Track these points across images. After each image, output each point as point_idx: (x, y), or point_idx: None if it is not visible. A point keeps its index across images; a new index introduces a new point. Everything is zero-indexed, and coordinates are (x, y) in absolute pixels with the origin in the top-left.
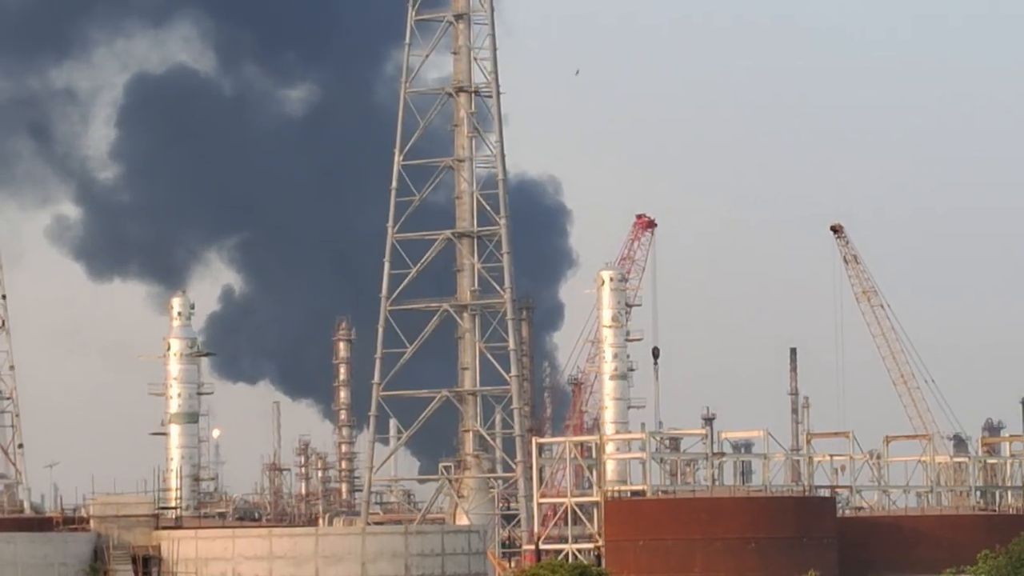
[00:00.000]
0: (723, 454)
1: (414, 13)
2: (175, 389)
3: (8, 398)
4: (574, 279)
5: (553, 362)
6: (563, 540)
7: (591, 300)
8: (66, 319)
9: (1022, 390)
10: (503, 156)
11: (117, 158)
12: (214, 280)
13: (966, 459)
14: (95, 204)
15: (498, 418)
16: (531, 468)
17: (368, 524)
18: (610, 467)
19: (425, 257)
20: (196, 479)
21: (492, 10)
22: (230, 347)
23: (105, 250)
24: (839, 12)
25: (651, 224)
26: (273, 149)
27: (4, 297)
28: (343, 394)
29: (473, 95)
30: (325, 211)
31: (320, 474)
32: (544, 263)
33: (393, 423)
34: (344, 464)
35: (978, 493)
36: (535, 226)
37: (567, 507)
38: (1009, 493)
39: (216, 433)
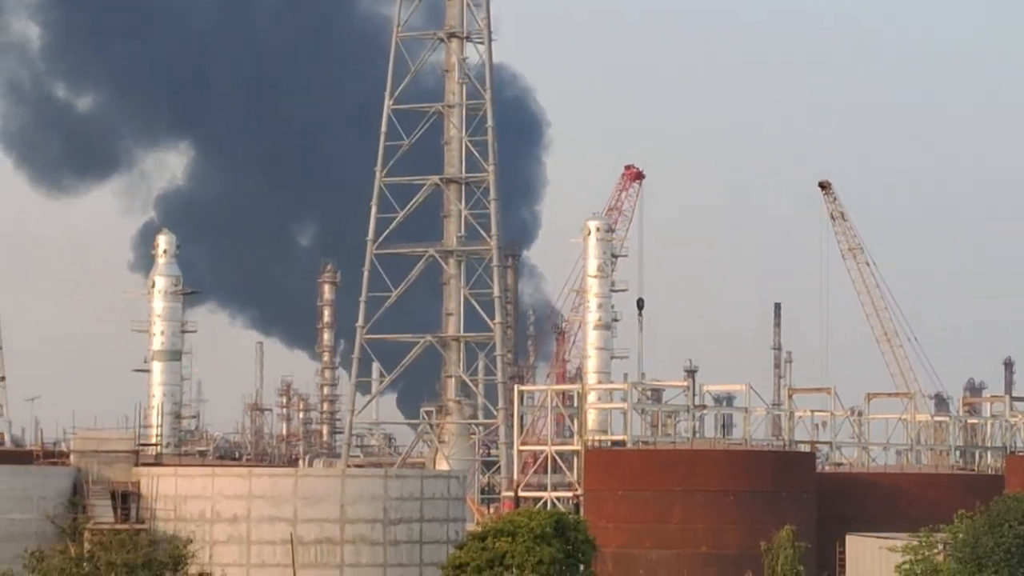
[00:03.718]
0: (704, 407)
1: None
2: (158, 327)
3: None
4: (547, 210)
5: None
6: (542, 488)
7: (576, 249)
8: (22, 242)
9: (1004, 352)
10: (493, 103)
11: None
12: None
13: (947, 418)
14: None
15: (481, 364)
16: (512, 415)
17: (348, 467)
18: (591, 417)
19: (412, 202)
20: (177, 417)
21: None
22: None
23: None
24: None
25: (639, 175)
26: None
27: None
28: (327, 336)
29: (464, 41)
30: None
31: (301, 415)
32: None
33: (376, 367)
34: (326, 406)
35: (958, 453)
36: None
37: (547, 455)
38: (988, 454)
39: (197, 372)
